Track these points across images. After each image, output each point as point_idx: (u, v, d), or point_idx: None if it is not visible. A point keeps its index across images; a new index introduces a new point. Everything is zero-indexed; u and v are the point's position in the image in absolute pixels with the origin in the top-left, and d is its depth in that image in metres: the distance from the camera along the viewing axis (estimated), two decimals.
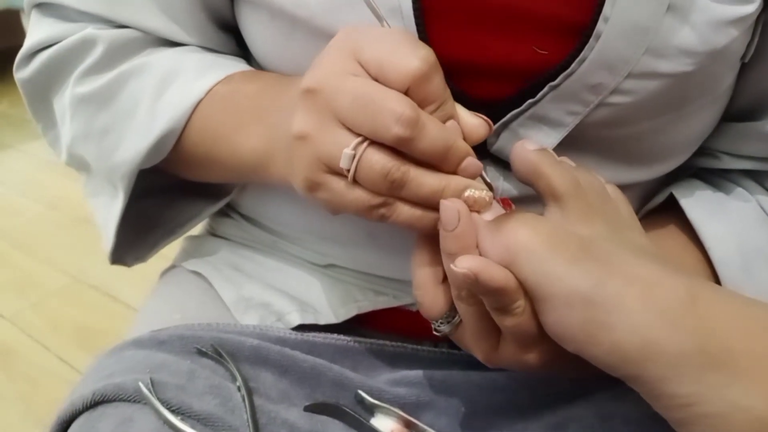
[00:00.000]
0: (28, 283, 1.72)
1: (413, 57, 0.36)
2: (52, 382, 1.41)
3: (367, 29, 0.38)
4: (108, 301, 1.63)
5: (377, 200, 0.37)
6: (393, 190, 0.37)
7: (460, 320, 0.39)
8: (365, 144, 0.36)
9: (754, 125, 0.48)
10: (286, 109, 0.39)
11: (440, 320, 0.40)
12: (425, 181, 0.37)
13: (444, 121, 0.38)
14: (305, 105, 0.38)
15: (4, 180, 2.23)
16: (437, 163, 0.37)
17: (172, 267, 0.60)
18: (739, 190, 0.50)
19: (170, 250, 0.62)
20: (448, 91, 0.38)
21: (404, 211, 0.38)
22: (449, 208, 0.36)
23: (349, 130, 0.36)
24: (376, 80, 0.36)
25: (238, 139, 0.46)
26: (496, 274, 0.34)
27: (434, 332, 0.40)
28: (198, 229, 0.62)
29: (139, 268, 0.62)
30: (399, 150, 0.36)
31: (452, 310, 0.39)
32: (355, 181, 0.37)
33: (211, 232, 0.61)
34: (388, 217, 0.38)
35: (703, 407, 0.31)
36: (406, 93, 0.36)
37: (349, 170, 0.36)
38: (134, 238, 0.57)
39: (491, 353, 0.39)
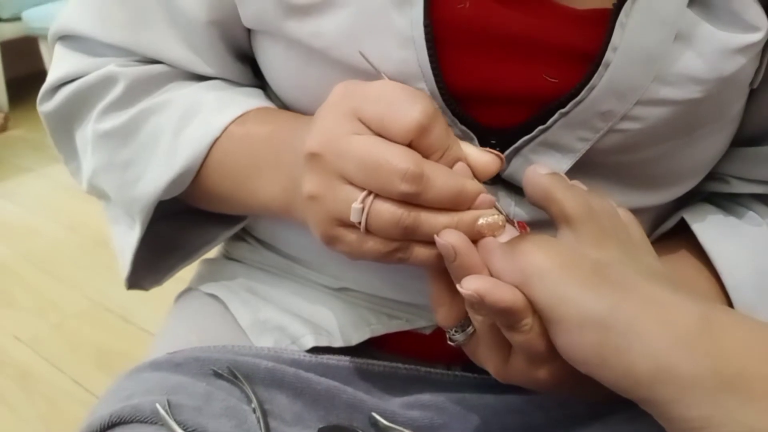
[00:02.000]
0: (47, 305, 1.73)
1: (413, 111, 0.36)
2: (70, 403, 1.42)
3: (364, 85, 0.38)
4: (126, 324, 1.64)
5: (392, 246, 0.38)
6: (406, 235, 0.37)
7: (474, 330, 0.39)
8: (372, 196, 0.37)
9: (763, 150, 0.48)
10: (299, 157, 0.40)
11: (455, 329, 0.40)
12: (437, 221, 0.37)
13: (451, 166, 0.38)
14: (311, 168, 0.39)
15: (24, 203, 2.25)
16: (449, 208, 0.38)
17: (188, 290, 0.61)
18: (751, 214, 0.50)
19: (187, 273, 0.63)
20: (452, 135, 0.39)
21: (421, 253, 0.38)
22: (443, 245, 0.37)
23: (356, 185, 0.37)
24: (379, 135, 0.37)
25: (257, 185, 0.47)
26: (502, 295, 0.35)
27: (449, 341, 0.41)
28: (213, 252, 0.63)
29: (158, 292, 0.62)
30: None
31: (467, 320, 0.39)
32: (369, 231, 0.38)
33: (227, 256, 0.62)
34: (406, 260, 0.39)
35: (717, 430, 0.31)
36: (410, 145, 0.37)
37: (360, 223, 0.37)
38: (151, 262, 0.57)
39: (503, 366, 0.39)
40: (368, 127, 0.37)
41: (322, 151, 0.38)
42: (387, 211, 0.36)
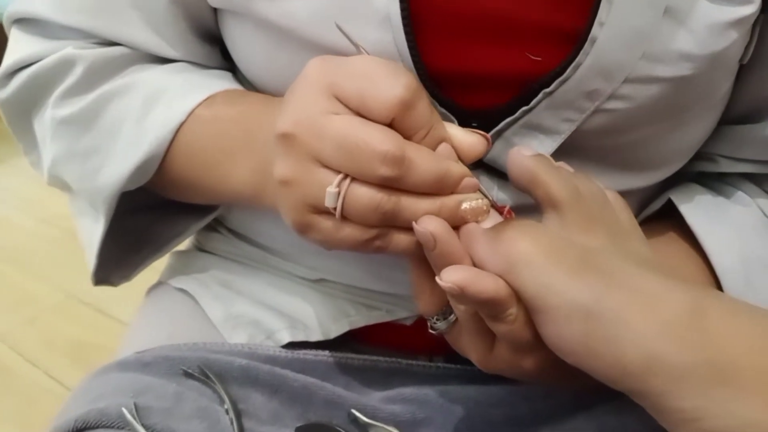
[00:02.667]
0: (22, 299, 1.70)
1: (395, 85, 0.34)
2: (47, 399, 1.40)
3: (341, 61, 0.36)
4: (102, 317, 1.62)
5: (370, 234, 0.36)
6: (385, 222, 0.35)
7: (456, 318, 0.38)
8: (349, 179, 0.35)
9: (752, 128, 0.47)
10: (271, 140, 0.38)
11: (436, 317, 0.39)
12: (419, 206, 0.35)
13: (435, 146, 0.36)
14: (283, 151, 0.36)
15: None
16: (432, 192, 0.36)
17: (159, 284, 0.59)
18: (739, 194, 0.49)
19: (162, 264, 0.61)
20: (436, 114, 0.37)
21: (401, 240, 0.36)
22: (422, 232, 0.35)
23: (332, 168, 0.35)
24: (358, 113, 0.35)
25: (228, 169, 0.45)
26: (484, 286, 0.33)
27: (430, 330, 0.39)
28: (185, 244, 0.61)
29: (134, 284, 0.60)
30: None
31: (449, 307, 0.38)
32: (345, 218, 0.36)
33: (199, 247, 0.60)
34: (385, 248, 0.37)
35: (710, 422, 0.30)
36: (392, 123, 0.35)
37: (336, 208, 0.35)
38: (118, 257, 0.55)
39: (486, 355, 0.38)
40: (346, 105, 0.35)
41: (295, 132, 0.35)
42: (364, 195, 0.34)
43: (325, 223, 0.36)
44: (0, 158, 2.45)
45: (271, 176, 0.38)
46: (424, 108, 0.35)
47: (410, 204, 0.35)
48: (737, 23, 0.39)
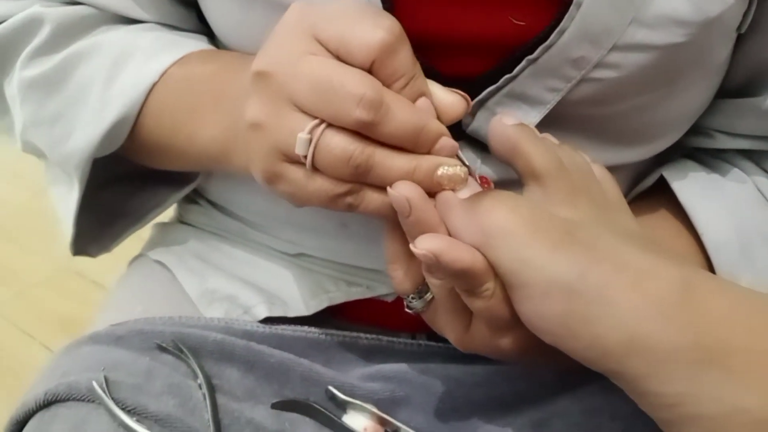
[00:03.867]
0: (12, 272, 1.69)
1: (377, 28, 0.33)
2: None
3: (322, 4, 0.35)
4: (94, 289, 1.60)
5: (342, 188, 0.34)
6: (358, 176, 0.34)
7: (433, 296, 0.37)
8: (322, 126, 0.33)
9: (750, 101, 0.46)
10: (244, 92, 0.37)
11: (412, 295, 0.38)
12: (393, 163, 0.34)
13: (414, 99, 0.35)
14: (257, 90, 0.35)
15: None
16: (407, 146, 0.34)
17: (139, 256, 0.58)
18: (735, 171, 0.48)
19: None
20: (418, 66, 0.35)
21: (373, 199, 0.35)
22: (396, 198, 0.34)
23: (307, 113, 0.34)
24: (338, 57, 0.34)
25: (195, 127, 0.43)
26: (459, 255, 0.32)
27: (406, 308, 0.38)
28: (168, 215, 0.60)
29: (126, 255, 0.59)
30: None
31: (425, 285, 0.37)
32: (316, 169, 0.34)
33: (180, 220, 0.58)
34: (357, 206, 0.35)
35: (695, 408, 0.29)
36: (371, 69, 0.34)
37: (306, 156, 0.34)
38: (97, 227, 0.54)
39: (463, 334, 0.37)
40: (326, 48, 0.34)
41: (271, 71, 0.34)
42: (338, 145, 0.33)
43: (296, 174, 0.35)
44: None
45: (241, 131, 0.36)
46: (406, 55, 0.34)
47: (384, 158, 0.34)
48: None
